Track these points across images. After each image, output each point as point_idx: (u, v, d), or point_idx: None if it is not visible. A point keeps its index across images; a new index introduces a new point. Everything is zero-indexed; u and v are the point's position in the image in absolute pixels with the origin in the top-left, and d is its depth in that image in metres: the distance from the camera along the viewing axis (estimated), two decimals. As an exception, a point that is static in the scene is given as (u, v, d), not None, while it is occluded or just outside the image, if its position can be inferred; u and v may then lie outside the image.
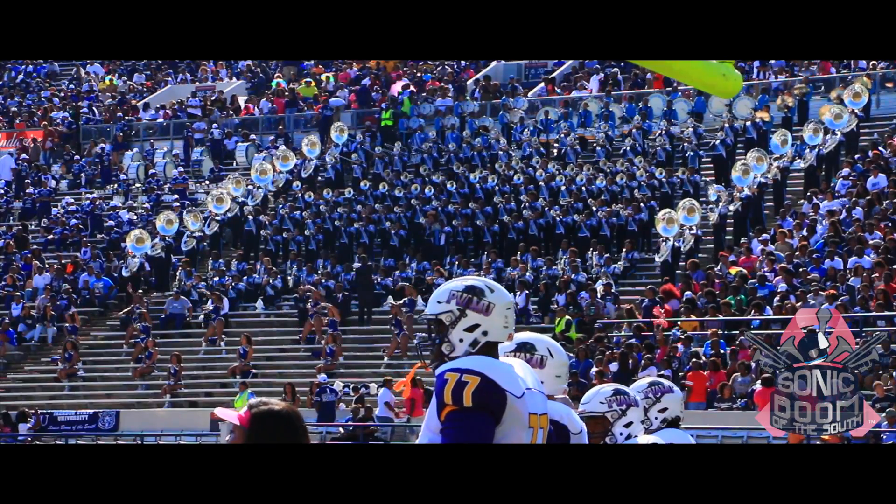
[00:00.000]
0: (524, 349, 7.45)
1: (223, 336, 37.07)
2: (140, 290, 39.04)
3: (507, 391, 5.80)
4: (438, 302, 6.03)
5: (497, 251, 36.74)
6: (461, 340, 5.97)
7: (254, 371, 35.46)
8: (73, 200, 45.02)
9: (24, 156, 48.59)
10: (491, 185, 38.92)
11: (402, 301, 35.36)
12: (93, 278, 40.01)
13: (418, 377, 28.94)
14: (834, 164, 36.54)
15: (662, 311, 31.30)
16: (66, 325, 38.35)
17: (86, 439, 32.64)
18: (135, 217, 42.83)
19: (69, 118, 50.09)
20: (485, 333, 5.97)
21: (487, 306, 5.98)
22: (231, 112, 48.42)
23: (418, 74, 47.30)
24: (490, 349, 5.99)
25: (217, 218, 40.86)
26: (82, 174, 46.83)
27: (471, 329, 5.97)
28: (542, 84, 45.33)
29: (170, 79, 53.62)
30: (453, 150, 41.51)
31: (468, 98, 44.62)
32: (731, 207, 34.87)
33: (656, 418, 8.70)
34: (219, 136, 46.44)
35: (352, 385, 32.32)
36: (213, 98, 49.51)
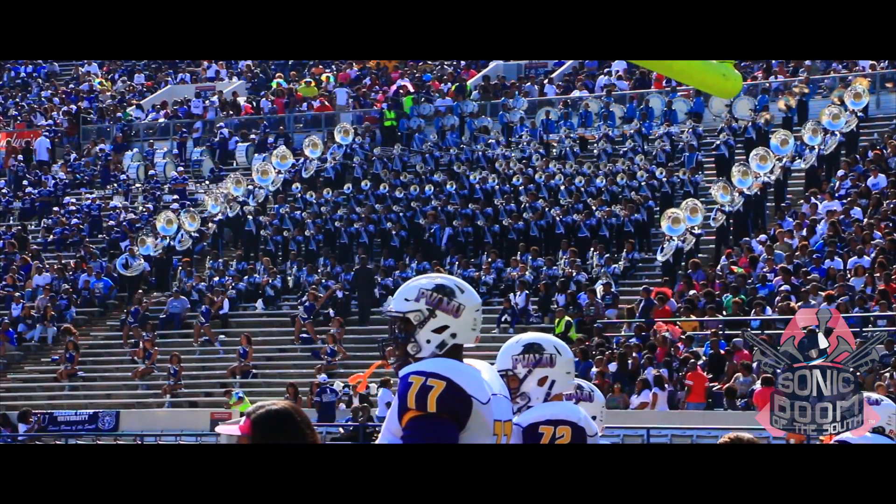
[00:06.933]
0: (532, 350, 7.18)
1: (215, 336, 37.11)
2: (140, 291, 39.05)
3: (472, 397, 5.57)
4: (406, 300, 5.76)
5: (497, 251, 36.71)
6: (429, 342, 5.73)
7: (254, 371, 35.46)
8: (74, 200, 45.00)
9: (20, 157, 48.57)
10: (491, 185, 38.89)
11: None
12: (93, 278, 39.99)
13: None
14: (834, 165, 36.52)
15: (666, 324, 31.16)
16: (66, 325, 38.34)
17: (86, 439, 32.62)
18: (135, 217, 42.80)
19: (70, 118, 50.06)
20: (453, 336, 5.73)
21: (457, 308, 5.73)
22: (231, 112, 48.42)
23: (418, 74, 47.28)
24: (456, 351, 5.74)
25: (214, 218, 40.84)
26: (83, 174, 46.80)
27: (439, 330, 5.73)
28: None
29: (170, 79, 53.62)
30: (454, 154, 41.46)
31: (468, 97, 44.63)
32: (732, 207, 34.87)
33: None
34: (219, 136, 46.40)
35: (352, 385, 32.29)
36: (213, 99, 49.54)
